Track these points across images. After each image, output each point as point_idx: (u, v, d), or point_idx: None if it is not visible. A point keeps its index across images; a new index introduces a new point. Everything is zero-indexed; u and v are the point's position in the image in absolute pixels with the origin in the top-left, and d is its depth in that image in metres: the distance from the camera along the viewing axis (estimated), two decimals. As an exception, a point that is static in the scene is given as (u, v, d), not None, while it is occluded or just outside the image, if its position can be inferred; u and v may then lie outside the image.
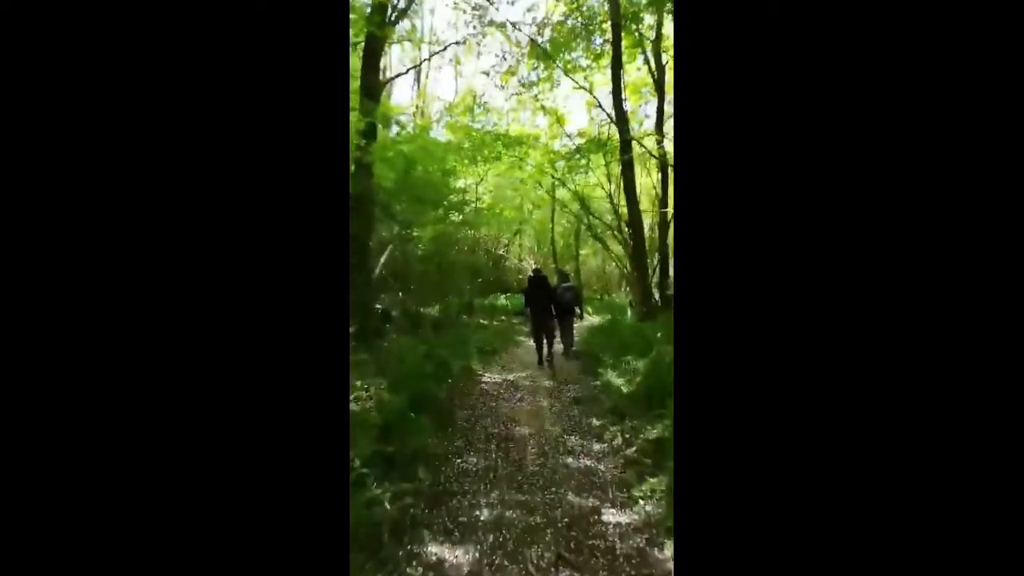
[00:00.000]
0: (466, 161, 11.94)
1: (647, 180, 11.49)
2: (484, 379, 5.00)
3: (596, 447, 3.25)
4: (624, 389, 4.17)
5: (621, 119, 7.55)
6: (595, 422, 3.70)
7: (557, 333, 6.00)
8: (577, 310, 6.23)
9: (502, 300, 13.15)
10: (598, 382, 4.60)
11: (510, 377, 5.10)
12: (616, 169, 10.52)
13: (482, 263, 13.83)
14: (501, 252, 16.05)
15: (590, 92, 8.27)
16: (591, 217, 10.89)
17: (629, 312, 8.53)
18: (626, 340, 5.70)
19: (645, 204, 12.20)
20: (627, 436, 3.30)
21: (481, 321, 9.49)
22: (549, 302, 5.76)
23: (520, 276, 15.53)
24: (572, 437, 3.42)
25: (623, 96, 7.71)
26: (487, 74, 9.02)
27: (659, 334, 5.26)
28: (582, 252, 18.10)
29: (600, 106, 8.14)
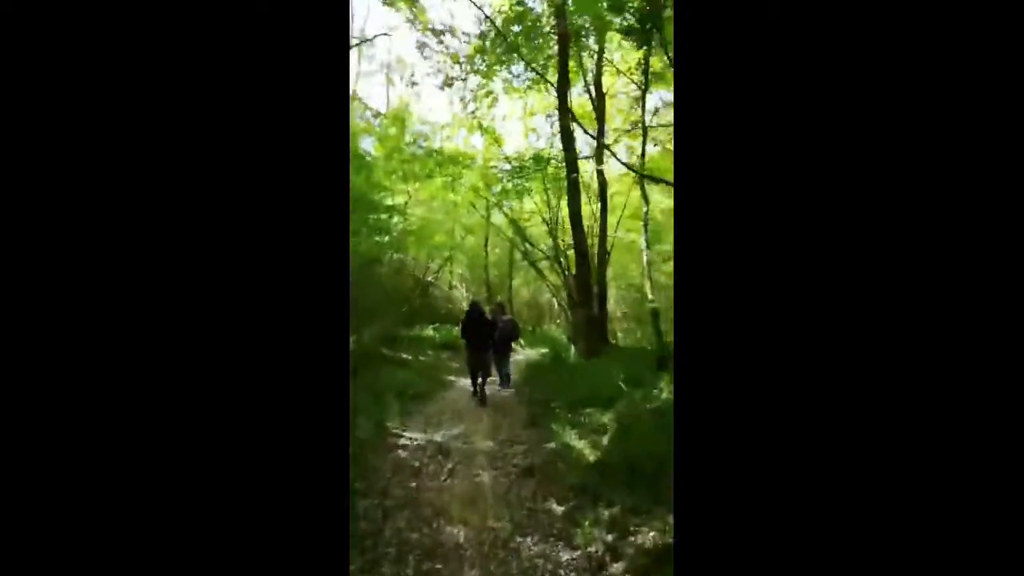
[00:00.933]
0: (394, 176, 10.83)
1: (585, 209, 11.02)
2: (402, 441, 3.78)
3: (565, 557, 2.21)
4: (590, 455, 3.20)
5: (567, 136, 6.92)
6: (556, 508, 2.67)
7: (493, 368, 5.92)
8: (513, 343, 6.24)
9: (429, 332, 11.85)
10: (552, 444, 3.59)
11: (437, 437, 3.93)
12: (555, 195, 9.96)
13: (408, 289, 12.47)
14: (430, 279, 14.81)
15: (545, 79, 7.38)
16: (527, 244, 10.13)
17: (573, 349, 7.69)
18: (577, 383, 4.80)
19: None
20: (608, 537, 2.29)
21: (404, 356, 8.17)
22: (487, 335, 5.59)
23: (450, 305, 14.34)
24: (529, 539, 2.35)
25: (569, 112, 7.12)
26: (422, 79, 7.96)
27: (621, 376, 4.40)
28: (514, 282, 17.38)
29: (570, 104, 7.27)
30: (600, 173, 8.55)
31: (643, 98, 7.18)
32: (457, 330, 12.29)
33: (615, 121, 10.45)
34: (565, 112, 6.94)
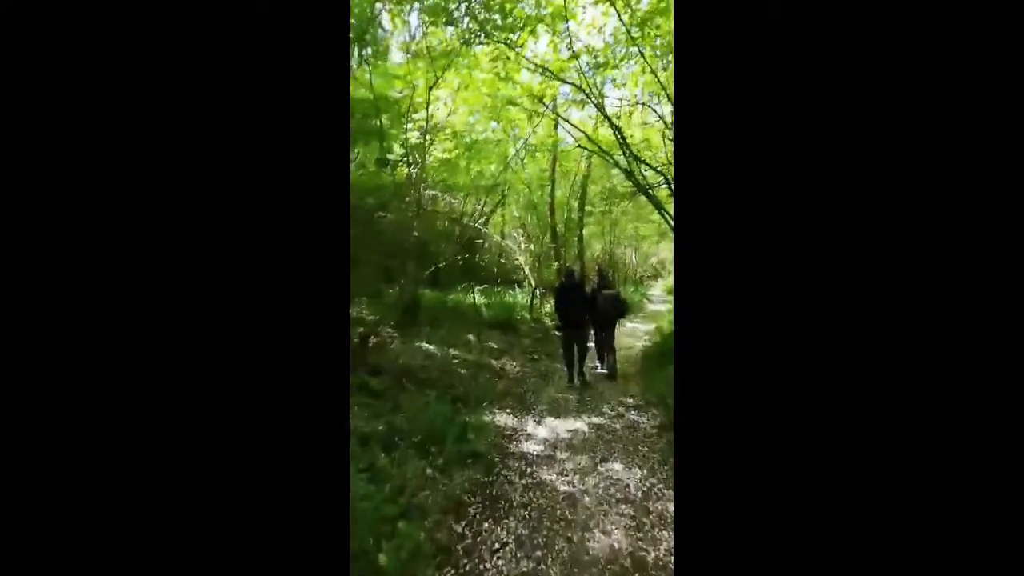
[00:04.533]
0: (415, 56, 6.97)
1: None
2: None
3: None
4: None
5: None
6: None
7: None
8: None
9: (475, 298, 8.28)
10: None
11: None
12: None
13: (444, 236, 8.84)
14: (478, 224, 11.09)
15: None
16: (633, 160, 5.91)
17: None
18: None
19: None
20: None
21: (424, 347, 4.63)
22: (584, 311, 4.55)
23: (502, 261, 10.66)
24: None
25: None
26: None
27: None
28: (587, 225, 13.22)
29: None
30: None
31: None
32: (515, 296, 8.58)
33: None
34: None
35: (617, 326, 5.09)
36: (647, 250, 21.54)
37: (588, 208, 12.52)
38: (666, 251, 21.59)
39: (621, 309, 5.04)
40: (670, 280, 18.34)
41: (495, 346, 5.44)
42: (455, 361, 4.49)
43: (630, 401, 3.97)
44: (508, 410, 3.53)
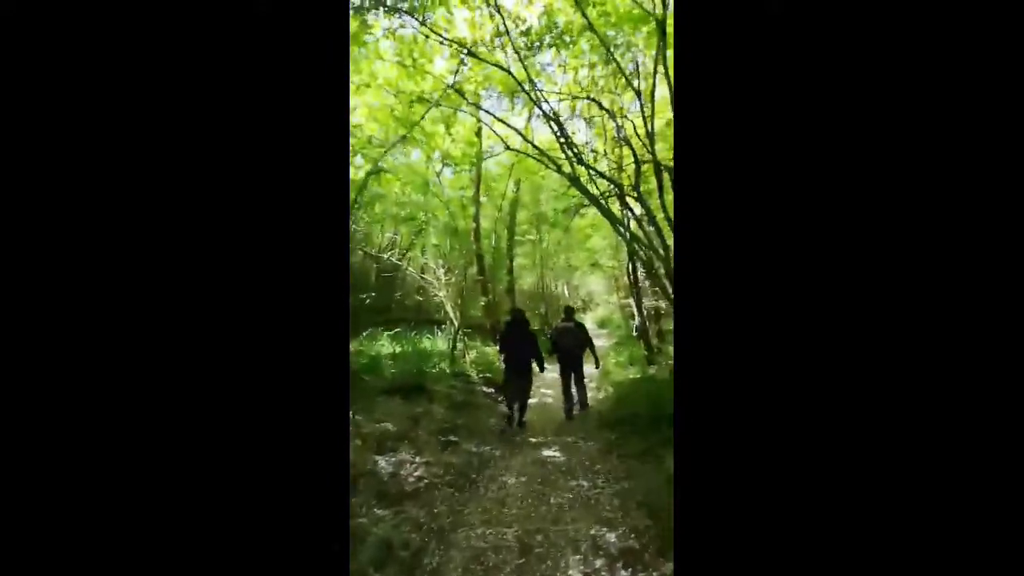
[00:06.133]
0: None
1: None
2: None
3: None
4: None
5: None
6: None
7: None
8: (593, 358, 4.79)
9: (382, 346, 6.36)
10: None
11: None
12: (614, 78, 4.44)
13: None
14: (393, 257, 9.18)
15: None
16: (579, 165, 4.51)
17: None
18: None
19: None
20: None
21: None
22: (529, 353, 4.23)
23: (420, 298, 8.83)
24: None
25: None
26: None
27: None
28: (516, 256, 11.81)
29: None
30: None
31: None
32: (433, 340, 6.84)
33: None
34: None
35: (584, 359, 4.62)
36: (577, 282, 20.72)
37: (517, 237, 11.17)
38: (594, 284, 20.96)
39: (586, 341, 4.58)
40: (599, 312, 17.51)
41: (392, 428, 3.60)
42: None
43: (611, 541, 2.32)
44: None
